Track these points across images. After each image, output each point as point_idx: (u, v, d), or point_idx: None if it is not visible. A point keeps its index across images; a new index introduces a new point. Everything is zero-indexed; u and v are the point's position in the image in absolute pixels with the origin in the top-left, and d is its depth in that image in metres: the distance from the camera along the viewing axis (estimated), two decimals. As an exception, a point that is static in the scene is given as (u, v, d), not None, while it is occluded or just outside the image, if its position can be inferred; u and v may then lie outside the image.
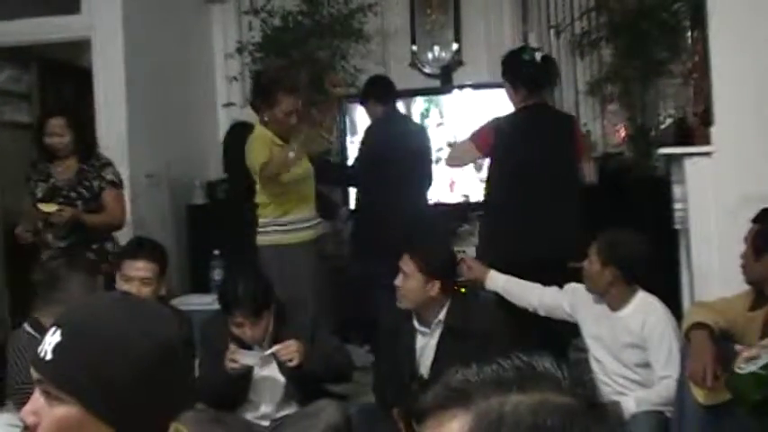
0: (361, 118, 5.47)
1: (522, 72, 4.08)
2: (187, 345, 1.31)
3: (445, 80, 5.87)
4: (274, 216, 4.05)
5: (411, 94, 5.63)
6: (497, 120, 4.11)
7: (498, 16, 5.89)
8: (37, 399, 1.21)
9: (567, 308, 3.38)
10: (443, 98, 5.69)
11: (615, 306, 3.19)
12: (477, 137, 4.08)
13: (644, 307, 3.16)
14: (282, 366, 3.28)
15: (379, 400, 3.38)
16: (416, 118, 5.53)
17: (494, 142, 3.99)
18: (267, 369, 3.31)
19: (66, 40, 5.34)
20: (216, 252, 4.97)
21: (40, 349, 1.21)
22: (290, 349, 3.19)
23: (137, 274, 3.27)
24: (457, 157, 4.32)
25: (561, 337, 3.68)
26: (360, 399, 3.85)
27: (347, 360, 3.47)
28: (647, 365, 3.13)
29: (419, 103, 5.64)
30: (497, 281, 3.61)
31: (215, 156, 5.68)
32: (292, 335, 3.26)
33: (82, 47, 5.34)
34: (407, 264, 3.21)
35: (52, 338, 1.20)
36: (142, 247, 3.43)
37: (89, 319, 1.24)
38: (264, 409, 3.36)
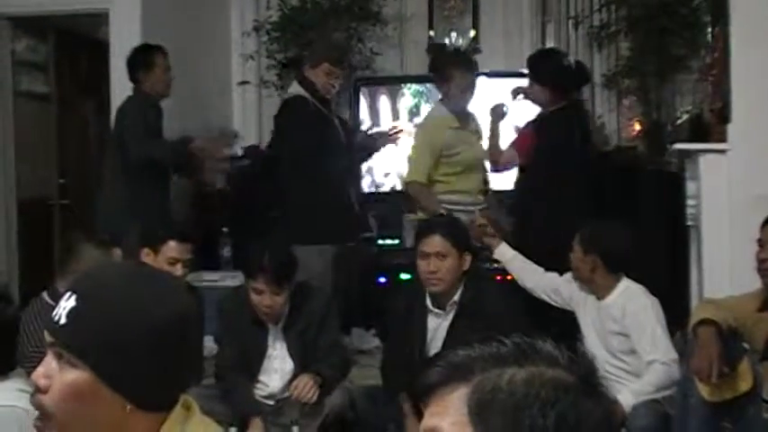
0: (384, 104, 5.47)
1: (561, 75, 4.19)
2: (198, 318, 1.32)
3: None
4: None
5: (426, 79, 5.61)
6: (535, 123, 4.22)
7: (517, 5, 5.87)
8: (49, 362, 1.22)
9: (566, 295, 3.43)
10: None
11: (600, 294, 3.26)
12: (516, 144, 4.19)
13: (626, 294, 3.23)
14: (292, 349, 3.31)
15: (385, 381, 3.39)
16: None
17: (535, 144, 4.08)
18: (277, 350, 3.34)
19: (84, 11, 5.35)
20: (225, 230, 4.99)
21: (54, 313, 1.22)
22: (305, 389, 3.20)
23: (180, 256, 3.32)
24: (502, 164, 4.31)
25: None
26: (365, 382, 3.86)
27: (344, 361, 3.47)
28: (632, 353, 3.17)
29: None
30: (506, 253, 3.69)
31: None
32: (304, 320, 3.29)
33: (99, 19, 5.35)
34: (441, 244, 3.20)
35: (67, 303, 1.21)
36: (182, 227, 3.48)
37: (104, 285, 1.25)
38: (272, 388, 3.38)
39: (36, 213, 5.43)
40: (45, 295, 2.92)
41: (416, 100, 5.55)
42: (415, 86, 5.59)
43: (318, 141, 4.13)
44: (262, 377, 3.37)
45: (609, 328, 3.23)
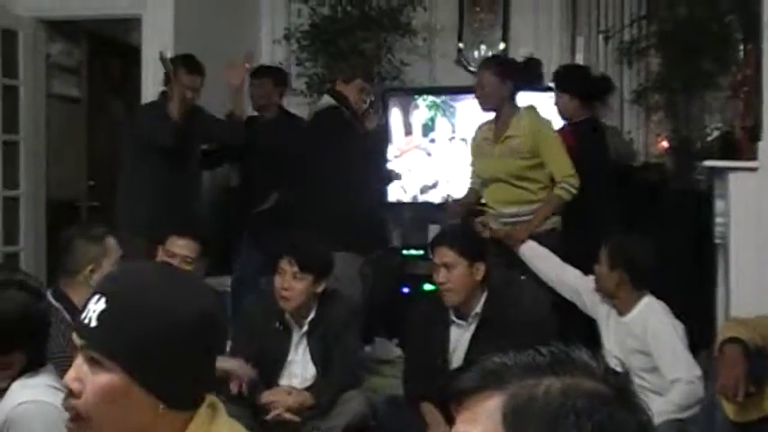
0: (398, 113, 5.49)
1: (589, 85, 4.25)
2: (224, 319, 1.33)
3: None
4: None
5: (455, 91, 5.63)
6: (570, 127, 4.24)
7: (547, 18, 5.86)
8: (80, 365, 1.23)
9: (588, 303, 3.39)
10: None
11: (622, 310, 3.23)
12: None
13: (647, 311, 3.20)
14: (314, 355, 3.32)
15: (407, 391, 3.39)
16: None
17: (572, 146, 4.06)
18: (299, 355, 3.35)
19: (116, 16, 5.41)
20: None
21: (83, 316, 1.23)
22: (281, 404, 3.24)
23: (179, 252, 3.32)
24: None
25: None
26: (386, 391, 3.86)
27: (354, 373, 3.46)
28: (654, 371, 3.13)
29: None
30: (532, 248, 3.66)
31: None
32: (327, 326, 3.30)
33: (132, 24, 5.41)
34: (446, 254, 3.20)
35: (96, 305, 1.22)
36: (189, 225, 3.48)
37: (133, 286, 1.26)
38: (293, 393, 3.39)
39: (64, 215, 5.48)
40: (49, 295, 2.93)
41: (435, 112, 5.55)
42: (442, 97, 5.59)
43: (349, 152, 4.18)
44: (282, 382, 3.38)
45: (630, 346, 3.19)
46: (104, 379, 1.21)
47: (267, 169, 4.72)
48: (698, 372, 3.06)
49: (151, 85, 4.96)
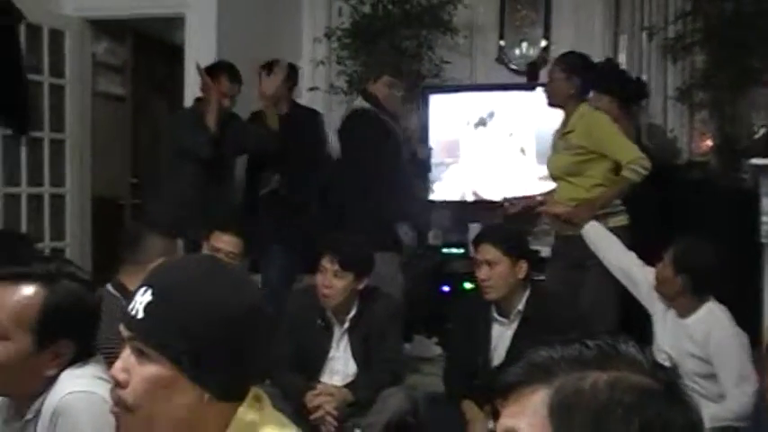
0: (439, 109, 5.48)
1: (629, 87, 4.16)
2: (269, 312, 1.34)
3: (531, 77, 5.81)
4: None
5: (496, 88, 5.61)
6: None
7: (590, 16, 5.80)
8: (127, 357, 1.24)
9: (643, 290, 3.33)
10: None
11: (682, 313, 3.16)
12: None
13: (710, 318, 3.11)
14: (355, 352, 3.33)
15: (448, 388, 3.39)
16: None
17: None
18: (340, 351, 3.37)
19: (160, 15, 5.47)
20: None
21: (130, 308, 1.25)
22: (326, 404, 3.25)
23: (224, 247, 3.36)
24: None
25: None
26: (426, 389, 3.86)
27: (396, 371, 3.45)
28: (709, 377, 3.07)
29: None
30: (595, 226, 3.62)
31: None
32: (369, 324, 3.31)
33: (176, 23, 5.46)
34: (489, 251, 3.20)
35: (143, 298, 1.23)
36: (232, 221, 3.52)
37: (179, 279, 1.27)
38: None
39: (108, 212, 5.56)
40: (109, 287, 2.97)
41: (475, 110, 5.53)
42: (483, 95, 5.58)
43: (380, 152, 4.19)
44: (323, 378, 3.40)
45: (687, 349, 3.11)
46: (151, 370, 1.22)
47: (278, 163, 4.68)
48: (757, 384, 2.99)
49: (194, 84, 5.00)
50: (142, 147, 5.93)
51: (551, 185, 4.16)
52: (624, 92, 4.31)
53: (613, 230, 3.70)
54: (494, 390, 0.94)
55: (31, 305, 1.71)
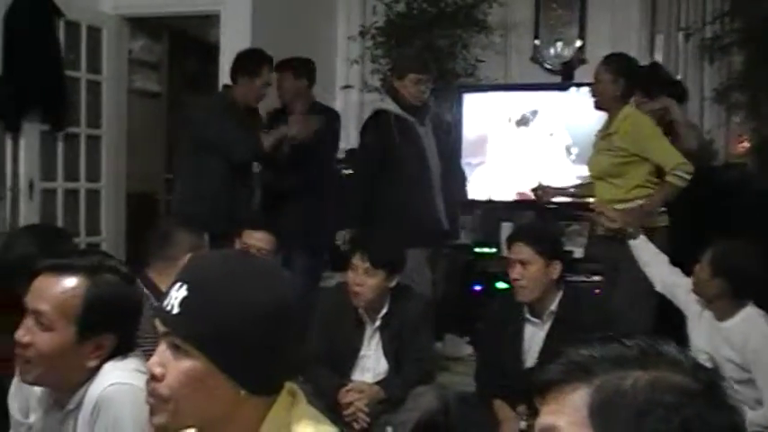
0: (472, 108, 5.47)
1: (678, 92, 4.25)
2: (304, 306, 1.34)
3: (566, 77, 5.79)
4: None
5: (530, 88, 5.60)
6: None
7: (626, 15, 5.76)
8: (163, 351, 1.26)
9: (680, 295, 3.30)
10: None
11: (720, 316, 3.11)
12: None
13: (748, 323, 3.05)
14: (387, 350, 3.34)
15: (480, 387, 3.38)
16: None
17: None
18: (372, 349, 3.38)
19: (196, 13, 5.52)
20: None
21: (166, 303, 1.26)
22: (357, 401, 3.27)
23: (255, 244, 3.38)
24: None
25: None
26: (457, 388, 3.86)
27: (428, 370, 3.46)
28: (747, 383, 3.01)
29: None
30: (644, 242, 3.58)
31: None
32: (400, 321, 3.31)
33: (211, 21, 5.51)
34: (523, 251, 3.18)
35: (178, 293, 1.24)
36: (264, 218, 3.54)
37: (214, 274, 1.27)
38: (366, 387, 3.41)
39: (143, 208, 5.61)
40: (138, 282, 2.98)
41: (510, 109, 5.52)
42: (518, 94, 5.56)
43: (392, 153, 4.19)
44: (354, 376, 3.41)
45: (724, 354, 3.06)
46: (186, 365, 1.23)
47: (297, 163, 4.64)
48: None
49: (227, 81, 5.05)
50: (176, 143, 5.98)
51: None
52: (671, 95, 4.28)
53: (653, 230, 3.68)
54: (533, 387, 0.94)
55: (75, 297, 1.73)
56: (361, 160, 4.53)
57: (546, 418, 0.90)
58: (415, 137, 4.30)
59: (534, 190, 4.31)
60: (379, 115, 4.36)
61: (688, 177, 3.69)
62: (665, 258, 3.51)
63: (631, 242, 3.59)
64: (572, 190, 4.46)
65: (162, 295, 1.28)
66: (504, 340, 3.27)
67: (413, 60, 4.47)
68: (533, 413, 0.95)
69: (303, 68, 4.80)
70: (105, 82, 5.28)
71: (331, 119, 4.85)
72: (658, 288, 3.45)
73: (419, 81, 4.30)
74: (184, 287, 1.25)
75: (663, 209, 3.82)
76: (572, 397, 0.88)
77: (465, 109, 5.56)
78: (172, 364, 1.24)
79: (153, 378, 1.26)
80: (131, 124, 5.58)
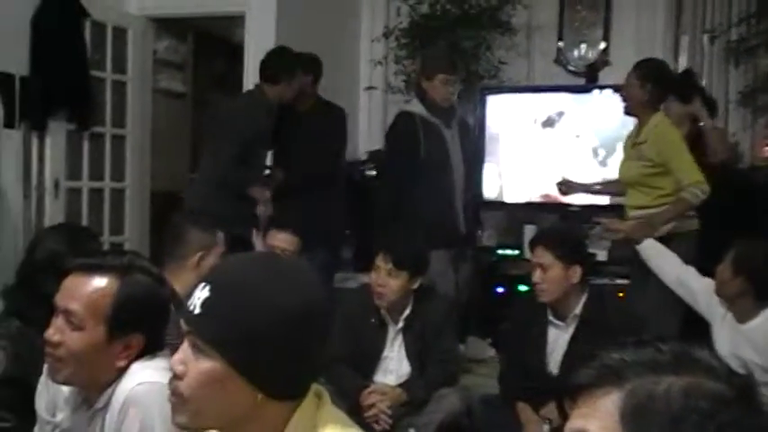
0: (496, 110, 5.46)
1: (711, 99, 4.17)
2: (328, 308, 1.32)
3: (590, 79, 5.76)
4: None
5: (553, 90, 5.58)
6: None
7: (651, 17, 5.73)
8: (186, 350, 1.26)
9: (701, 299, 3.28)
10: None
11: (741, 318, 3.10)
12: None
13: None
14: (410, 351, 3.34)
15: (503, 390, 3.37)
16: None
17: None
18: (395, 351, 3.38)
19: (221, 14, 5.55)
20: (347, 232, 5.06)
21: (190, 302, 1.26)
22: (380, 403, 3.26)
23: (279, 245, 3.40)
24: None
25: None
26: (479, 390, 3.85)
27: (452, 372, 3.46)
28: None
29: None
30: (651, 243, 3.60)
31: (353, 137, 5.77)
32: (423, 323, 3.31)
33: (236, 22, 5.53)
34: (543, 255, 3.18)
35: (201, 293, 1.24)
36: (288, 219, 3.55)
37: (237, 276, 1.27)
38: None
39: (167, 207, 5.63)
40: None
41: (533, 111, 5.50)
42: (541, 96, 5.55)
43: (425, 154, 4.18)
44: (377, 377, 3.41)
45: (747, 357, 3.04)
46: (205, 365, 1.23)
47: (302, 160, 4.61)
48: None
49: (252, 82, 5.07)
50: (201, 142, 6.01)
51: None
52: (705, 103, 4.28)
53: (684, 235, 3.66)
54: (564, 390, 0.94)
55: (105, 296, 1.74)
56: (388, 162, 4.53)
57: (577, 421, 0.90)
58: (441, 139, 4.29)
59: (559, 184, 4.30)
60: (404, 117, 4.36)
61: (703, 197, 3.67)
62: (672, 255, 3.50)
63: (639, 247, 3.60)
64: (597, 187, 4.45)
65: (174, 294, 1.28)
66: (528, 343, 3.26)
67: (442, 60, 4.44)
68: (563, 416, 0.95)
69: (310, 64, 4.76)
70: (130, 82, 5.32)
71: (337, 117, 4.80)
72: (675, 288, 3.44)
73: (448, 81, 4.28)
74: (207, 288, 1.24)
75: (693, 212, 3.80)
76: (604, 401, 0.87)
77: (488, 110, 5.55)
78: (192, 363, 1.24)
79: (175, 376, 1.26)
80: (156, 124, 5.61)
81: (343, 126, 4.86)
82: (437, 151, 4.26)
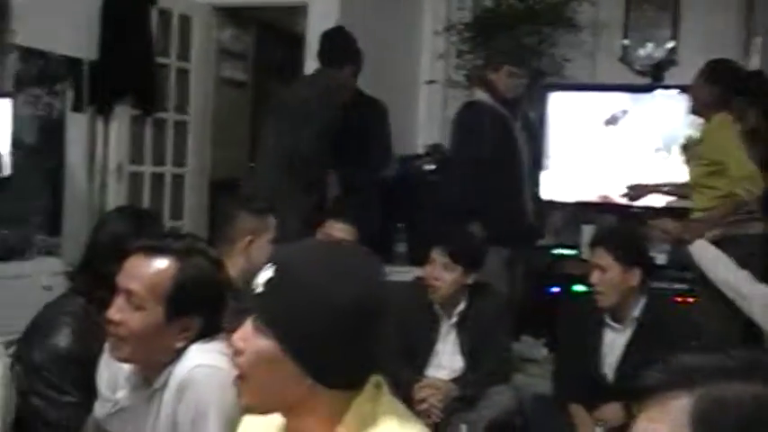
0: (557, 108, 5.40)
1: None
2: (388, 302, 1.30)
3: (655, 78, 5.66)
4: None
5: (616, 89, 5.49)
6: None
7: (721, 16, 5.59)
8: (247, 327, 1.27)
9: (755, 307, 3.21)
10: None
11: None
12: None
13: None
14: (463, 346, 3.33)
15: (556, 390, 3.34)
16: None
17: None
18: (448, 345, 3.37)
19: (284, 4, 5.59)
20: (400, 225, 5.06)
21: (254, 282, 1.27)
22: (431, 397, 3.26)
23: (337, 235, 3.40)
24: None
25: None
26: (531, 389, 3.82)
27: (506, 371, 3.45)
28: None
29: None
30: (701, 243, 3.55)
31: (412, 131, 5.77)
32: (478, 319, 3.29)
33: (298, 12, 5.55)
34: (602, 257, 3.13)
35: (265, 273, 1.25)
36: (346, 208, 3.56)
37: (301, 259, 1.27)
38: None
39: (225, 194, 5.69)
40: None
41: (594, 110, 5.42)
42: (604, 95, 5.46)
43: (494, 146, 4.15)
44: (429, 372, 3.39)
45: None
46: (261, 344, 1.24)
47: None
48: None
49: (312, 72, 5.08)
50: (261, 131, 6.05)
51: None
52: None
53: (749, 238, 3.59)
54: (631, 393, 0.93)
55: (165, 278, 1.77)
56: (454, 152, 4.46)
57: (645, 424, 0.89)
58: (509, 131, 4.27)
59: (629, 188, 4.24)
60: (473, 106, 4.33)
61: (755, 192, 3.61)
62: (723, 257, 3.44)
63: (690, 248, 3.53)
64: (666, 188, 4.38)
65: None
66: (584, 344, 3.22)
67: (509, 53, 4.45)
68: (629, 418, 0.94)
69: (355, 57, 4.68)
70: (194, 70, 5.38)
71: (379, 113, 4.76)
72: (726, 291, 3.38)
73: (513, 74, 4.27)
74: (272, 269, 1.25)
75: (759, 215, 3.72)
76: (673, 405, 0.86)
77: (550, 108, 5.48)
78: (251, 340, 1.25)
79: (236, 353, 1.28)
80: (217, 112, 5.67)
81: (386, 122, 4.84)
82: (506, 143, 4.23)
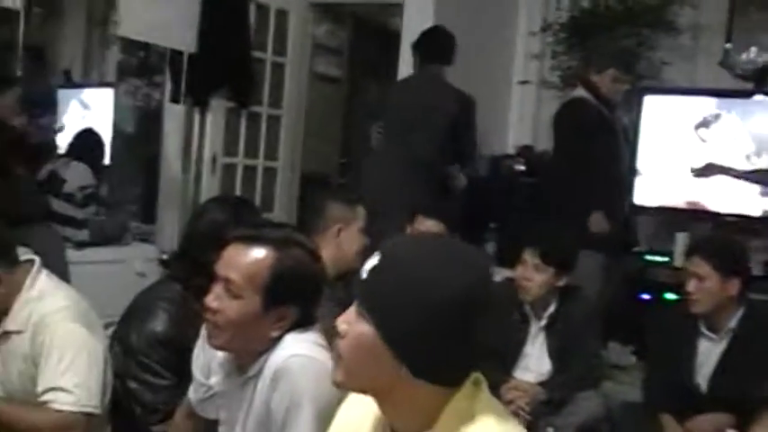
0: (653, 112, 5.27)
1: None
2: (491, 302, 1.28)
3: (758, 84, 5.47)
4: None
5: (716, 94, 5.33)
6: None
7: (832, 22, 5.38)
8: (351, 311, 1.29)
9: None
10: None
11: None
12: None
13: None
14: (552, 350, 3.28)
15: (647, 399, 3.26)
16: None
17: None
18: (536, 348, 3.33)
19: (380, 1, 5.60)
20: (492, 225, 5.02)
21: (362, 268, 1.29)
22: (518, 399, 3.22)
23: (429, 230, 3.39)
24: None
25: None
26: (619, 397, 3.75)
27: (595, 376, 3.39)
28: None
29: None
30: None
31: (503, 131, 5.72)
32: (567, 322, 3.24)
33: (394, 9, 5.57)
34: (700, 266, 3.05)
35: (371, 261, 1.27)
36: (437, 206, 3.55)
37: (405, 251, 1.28)
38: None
39: (316, 188, 5.75)
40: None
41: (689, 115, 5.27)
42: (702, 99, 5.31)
43: (597, 145, 4.07)
44: (516, 374, 3.36)
45: None
46: (360, 328, 1.26)
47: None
48: None
49: (406, 71, 5.09)
50: (353, 128, 6.09)
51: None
52: None
53: None
54: (747, 403, 0.90)
55: (263, 267, 1.79)
56: (556, 149, 4.39)
57: (760, 435, 0.86)
58: (614, 132, 4.20)
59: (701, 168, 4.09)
60: (578, 103, 4.27)
61: None
62: None
63: None
64: (735, 173, 4.22)
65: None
66: (677, 354, 3.13)
67: (616, 57, 4.40)
68: (741, 428, 0.91)
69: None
70: (289, 64, 5.45)
71: (467, 106, 4.67)
72: None
73: (618, 79, 4.21)
74: (378, 257, 1.28)
75: None
76: None
77: (645, 111, 5.36)
78: (353, 325, 1.27)
79: (338, 335, 1.30)
80: (311, 107, 5.73)
81: (472, 115, 4.74)
82: (607, 143, 4.16)
